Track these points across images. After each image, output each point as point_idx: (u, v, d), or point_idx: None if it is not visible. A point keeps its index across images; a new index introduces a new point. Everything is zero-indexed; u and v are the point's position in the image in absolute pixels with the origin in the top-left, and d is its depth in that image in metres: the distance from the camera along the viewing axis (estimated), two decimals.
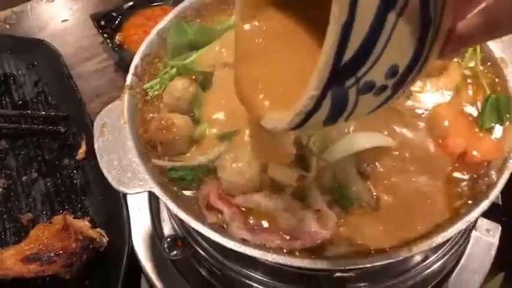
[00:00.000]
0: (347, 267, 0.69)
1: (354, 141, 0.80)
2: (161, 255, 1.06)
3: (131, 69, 0.96)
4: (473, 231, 1.05)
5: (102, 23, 1.49)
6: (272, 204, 0.77)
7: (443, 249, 0.94)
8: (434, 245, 0.73)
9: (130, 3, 1.53)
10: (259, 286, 0.91)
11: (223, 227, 0.77)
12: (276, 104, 0.62)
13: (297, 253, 0.73)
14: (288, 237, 0.74)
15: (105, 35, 1.48)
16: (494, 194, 0.77)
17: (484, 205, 0.76)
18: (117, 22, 1.51)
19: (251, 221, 0.77)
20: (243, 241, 0.75)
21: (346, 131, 0.83)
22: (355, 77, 0.47)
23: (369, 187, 0.79)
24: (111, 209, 1.12)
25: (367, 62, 0.46)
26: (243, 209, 0.78)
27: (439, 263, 0.94)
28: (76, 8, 1.61)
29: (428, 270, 0.94)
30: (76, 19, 1.58)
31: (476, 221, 1.01)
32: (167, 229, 1.09)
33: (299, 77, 0.58)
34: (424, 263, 0.93)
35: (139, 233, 1.08)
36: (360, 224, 0.75)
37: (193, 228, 0.76)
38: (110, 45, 1.46)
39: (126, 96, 0.91)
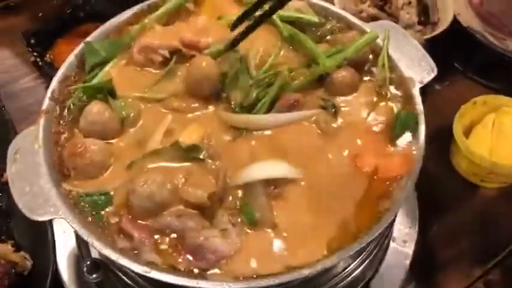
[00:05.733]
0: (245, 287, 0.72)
1: (259, 169, 0.83)
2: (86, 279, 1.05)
3: (48, 94, 0.96)
4: (391, 243, 1.10)
5: (32, 41, 1.48)
6: (182, 225, 0.78)
7: (359, 258, 0.98)
8: (323, 268, 0.76)
9: (62, 22, 1.51)
10: None
11: (135, 252, 0.79)
12: None
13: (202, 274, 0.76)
14: (195, 258, 0.77)
15: (35, 54, 1.46)
16: (391, 214, 0.82)
17: (381, 226, 0.80)
18: (48, 40, 1.49)
19: (161, 244, 0.79)
20: (152, 265, 0.76)
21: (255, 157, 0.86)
22: None
23: (273, 210, 0.81)
24: (37, 232, 1.10)
25: None
26: (157, 231, 0.80)
27: (356, 273, 0.98)
28: (4, 26, 1.58)
29: (348, 279, 0.98)
30: (5, 37, 1.55)
31: (389, 232, 1.06)
32: (94, 252, 1.08)
33: None
34: (343, 273, 0.97)
35: (64, 256, 1.08)
36: (262, 244, 0.77)
37: None
38: (40, 63, 1.45)
39: (41, 121, 0.92)
